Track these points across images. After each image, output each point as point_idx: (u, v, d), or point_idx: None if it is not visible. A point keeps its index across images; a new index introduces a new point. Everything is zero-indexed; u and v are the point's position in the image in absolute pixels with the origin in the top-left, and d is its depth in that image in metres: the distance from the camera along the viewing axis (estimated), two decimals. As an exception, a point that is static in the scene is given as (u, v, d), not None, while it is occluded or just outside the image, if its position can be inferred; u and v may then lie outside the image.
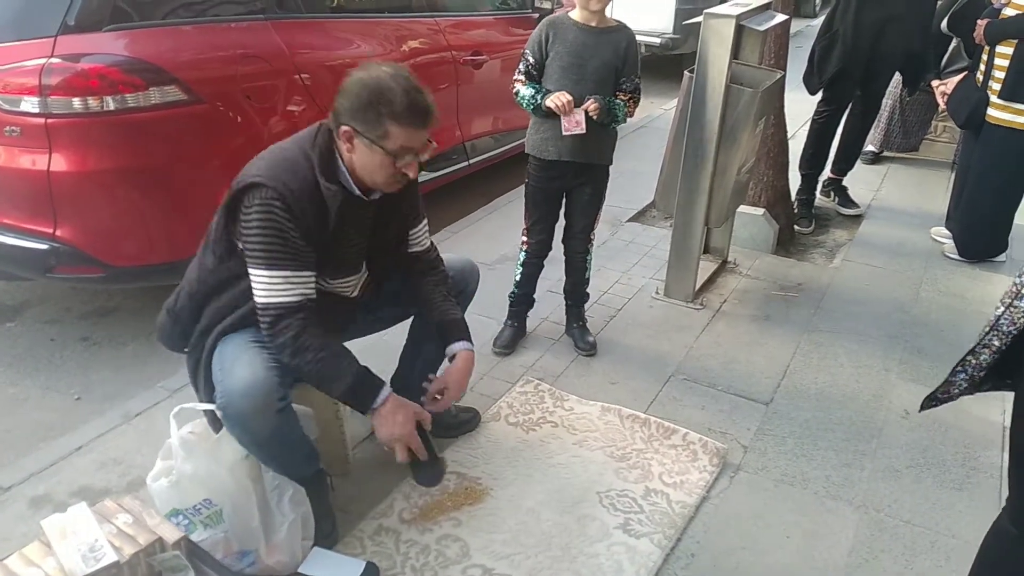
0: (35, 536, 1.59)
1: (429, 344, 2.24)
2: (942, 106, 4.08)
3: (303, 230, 1.76)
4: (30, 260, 2.70)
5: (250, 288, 1.78)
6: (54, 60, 2.53)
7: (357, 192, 1.86)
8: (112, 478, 2.21)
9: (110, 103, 2.57)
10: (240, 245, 1.81)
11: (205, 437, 1.89)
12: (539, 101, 2.58)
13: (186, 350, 1.96)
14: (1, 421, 2.59)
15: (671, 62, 7.79)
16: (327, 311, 1.90)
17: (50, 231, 2.65)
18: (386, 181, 1.83)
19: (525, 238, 2.87)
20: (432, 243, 2.18)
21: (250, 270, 1.77)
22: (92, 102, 2.55)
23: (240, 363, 1.77)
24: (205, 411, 1.86)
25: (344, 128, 1.77)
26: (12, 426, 2.57)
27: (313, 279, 1.82)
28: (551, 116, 2.57)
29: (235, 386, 1.73)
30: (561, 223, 2.88)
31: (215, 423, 1.88)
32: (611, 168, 2.81)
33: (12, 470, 2.24)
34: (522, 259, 2.90)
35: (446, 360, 2.12)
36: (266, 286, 1.76)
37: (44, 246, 2.66)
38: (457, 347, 2.08)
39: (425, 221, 2.14)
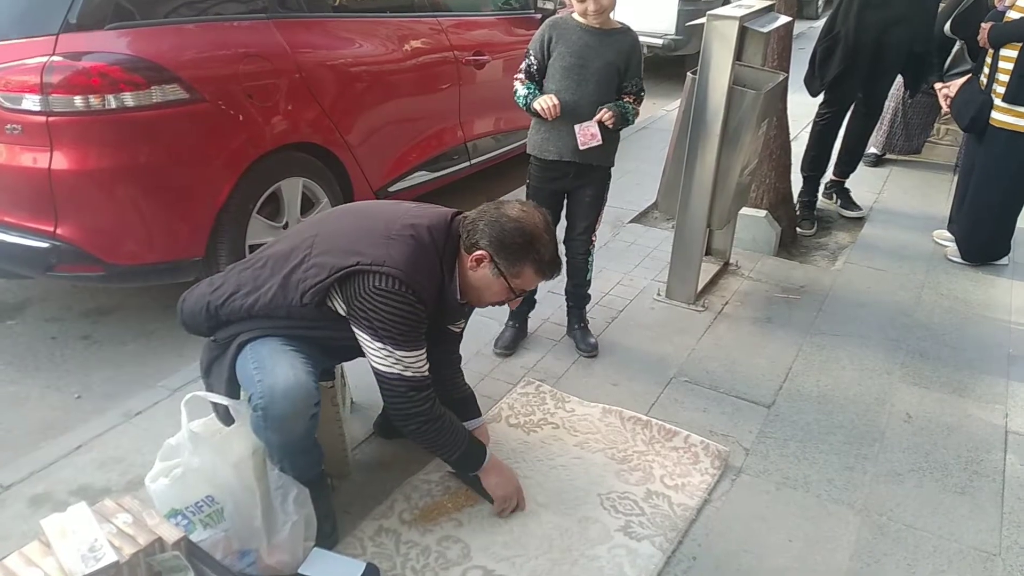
0: (35, 535, 1.58)
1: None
2: (945, 109, 4.08)
3: (426, 314, 1.89)
4: (31, 258, 2.69)
5: (316, 327, 1.88)
6: (56, 58, 2.53)
7: (463, 301, 2.01)
8: (112, 477, 2.21)
9: (111, 102, 2.57)
10: (339, 307, 1.86)
11: (213, 432, 1.88)
12: (528, 102, 2.58)
13: (213, 339, 1.95)
14: (2, 419, 2.59)
15: (673, 63, 7.79)
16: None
17: (51, 229, 2.64)
18: (490, 304, 2.03)
19: (527, 239, 2.86)
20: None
21: (372, 342, 1.84)
22: (93, 100, 2.55)
23: (280, 365, 1.79)
24: (218, 405, 1.85)
25: (480, 252, 1.90)
26: (12, 424, 2.57)
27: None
28: (556, 118, 2.57)
29: (278, 386, 1.75)
30: (562, 224, 2.87)
31: (226, 418, 1.87)
32: (613, 169, 2.81)
33: (12, 468, 2.23)
34: (524, 260, 2.89)
35: None
36: (398, 361, 1.85)
37: (45, 244, 2.65)
38: (472, 424, 2.23)
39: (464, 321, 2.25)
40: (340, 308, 1.86)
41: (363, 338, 1.85)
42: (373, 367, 1.88)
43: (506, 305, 2.08)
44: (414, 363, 1.87)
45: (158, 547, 1.57)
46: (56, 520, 1.57)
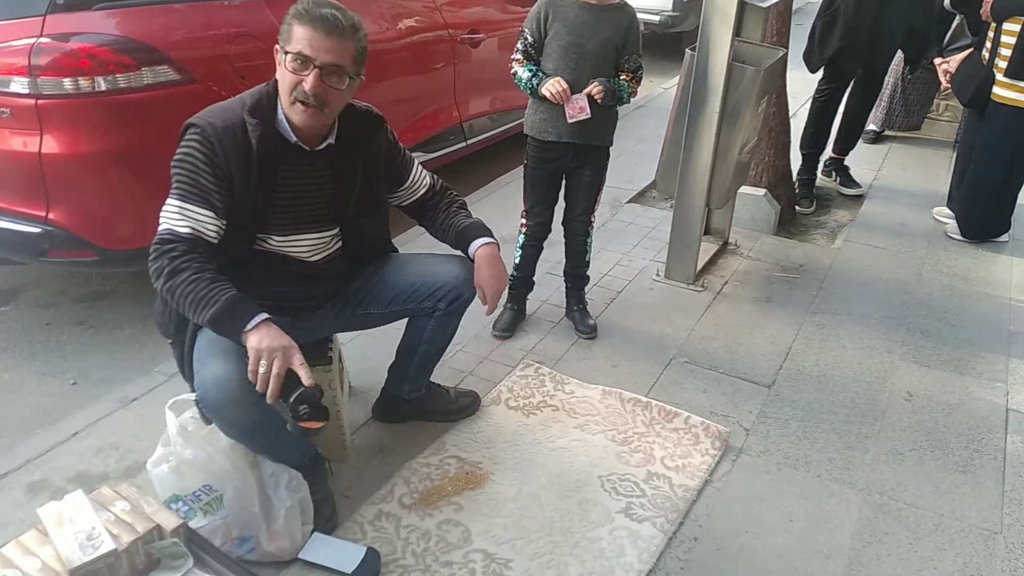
0: (32, 523, 1.58)
1: (424, 344, 2.21)
2: (944, 84, 4.04)
3: (219, 167, 1.73)
4: (23, 244, 2.65)
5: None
6: (43, 40, 2.48)
7: (295, 140, 1.83)
8: (110, 463, 2.19)
9: (101, 83, 2.52)
10: None
11: (202, 424, 1.87)
12: (535, 86, 2.54)
13: (169, 341, 1.93)
14: (-4, 406, 2.57)
15: (671, 40, 7.72)
16: (281, 277, 1.89)
17: (42, 214, 2.61)
18: (289, 100, 1.76)
19: (524, 220, 2.84)
20: (433, 180, 2.16)
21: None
22: (83, 83, 2.50)
23: (217, 353, 1.72)
24: (196, 402, 1.83)
25: (275, 48, 1.79)
26: (8, 412, 2.55)
27: (216, 225, 1.75)
28: (548, 99, 2.53)
29: (209, 377, 1.70)
30: (560, 205, 2.85)
31: (203, 415, 1.85)
32: (611, 148, 2.77)
33: (8, 456, 2.21)
34: (521, 242, 2.87)
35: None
36: (164, 214, 1.74)
37: (37, 229, 2.62)
38: (475, 244, 2.08)
39: (415, 174, 2.13)
40: None
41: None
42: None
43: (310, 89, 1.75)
44: (173, 217, 1.72)
45: (157, 534, 1.56)
46: (53, 508, 1.56)
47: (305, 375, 1.63)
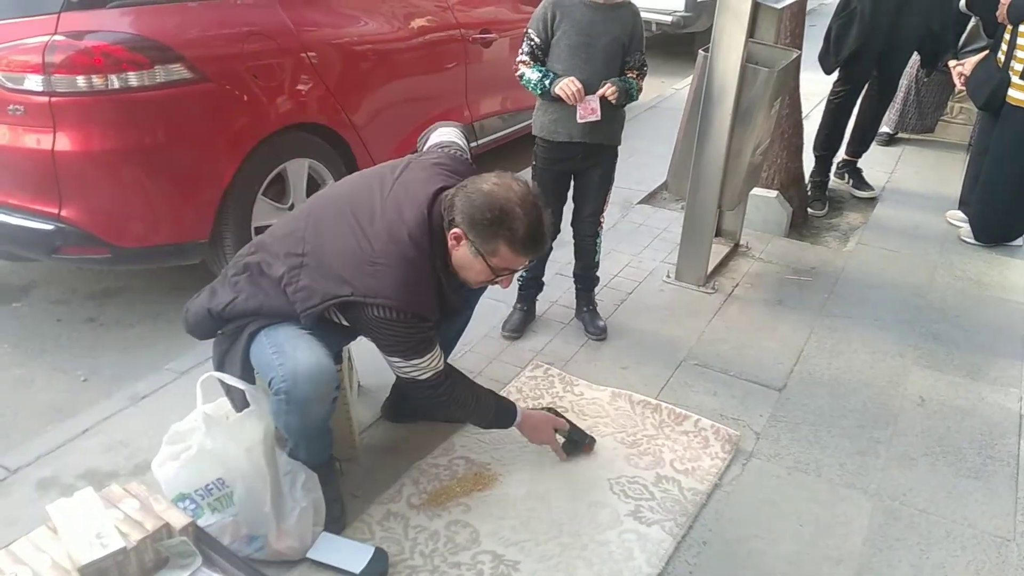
0: (42, 519, 1.58)
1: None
2: (959, 87, 4.01)
3: (434, 322, 1.87)
4: (35, 240, 2.67)
5: (324, 329, 1.87)
6: (58, 37, 2.50)
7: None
8: (119, 460, 2.20)
9: (114, 81, 2.54)
10: (342, 321, 1.88)
11: (225, 415, 1.87)
12: (548, 87, 2.53)
13: (220, 332, 1.94)
14: (8, 402, 2.58)
15: (682, 41, 7.69)
16: None
17: (55, 211, 2.62)
18: (476, 283, 1.92)
19: (534, 221, 2.83)
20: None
21: (383, 352, 1.89)
22: (96, 80, 2.52)
23: (300, 348, 1.78)
24: (233, 390, 1.84)
25: (456, 230, 1.79)
26: (19, 407, 2.56)
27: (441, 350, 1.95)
28: (560, 99, 2.52)
29: (300, 370, 1.74)
30: (569, 206, 2.84)
31: (240, 402, 1.85)
32: (620, 149, 2.77)
33: (19, 452, 2.23)
34: (531, 242, 2.86)
35: None
36: (413, 368, 1.87)
37: (49, 226, 2.63)
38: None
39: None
40: (343, 321, 1.89)
41: (387, 356, 1.90)
42: (404, 378, 1.93)
43: (506, 286, 2.00)
44: (426, 366, 1.88)
45: (166, 532, 1.56)
46: (63, 506, 1.57)
47: (560, 453, 2.24)
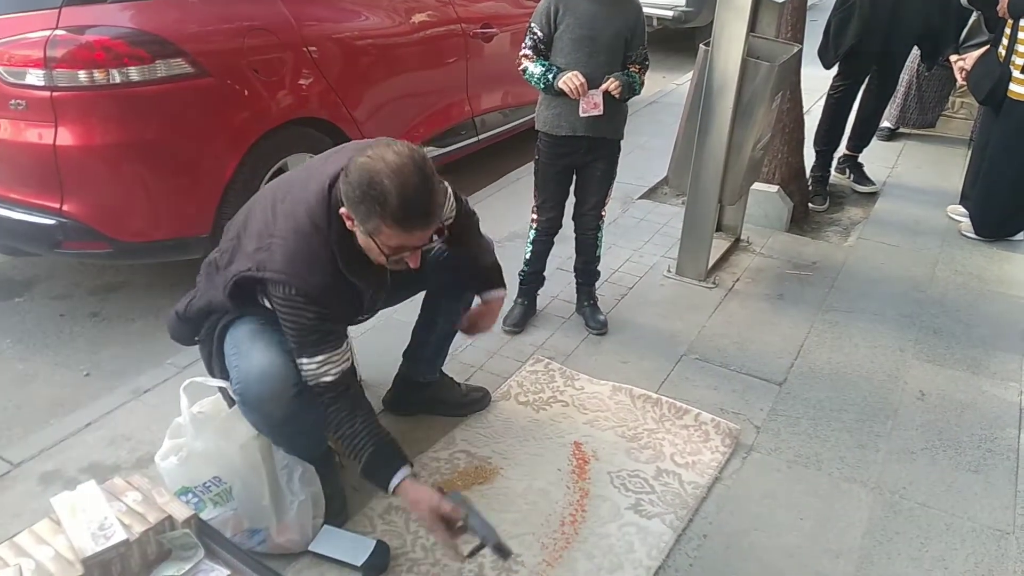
0: (45, 512, 1.58)
1: (441, 318, 2.27)
2: (960, 81, 4.00)
3: (328, 312, 1.73)
4: (37, 235, 2.68)
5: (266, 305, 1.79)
6: (59, 32, 2.50)
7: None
8: (122, 454, 2.21)
9: (116, 76, 2.54)
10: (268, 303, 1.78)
11: (215, 414, 1.88)
12: (551, 81, 2.53)
13: (197, 339, 1.95)
14: (11, 396, 2.59)
15: (684, 35, 7.67)
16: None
17: (57, 206, 2.63)
18: (385, 264, 1.75)
19: (535, 216, 2.83)
20: (463, 215, 2.12)
21: (297, 358, 1.75)
22: (98, 75, 2.52)
23: (256, 348, 1.76)
24: (220, 388, 1.84)
25: (343, 210, 1.67)
26: (22, 402, 2.57)
27: (348, 347, 1.81)
28: (563, 94, 2.52)
29: (251, 371, 1.73)
30: (571, 200, 2.84)
31: (229, 399, 1.86)
32: (622, 144, 2.77)
33: (22, 446, 2.24)
34: (532, 237, 2.87)
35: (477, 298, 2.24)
36: (309, 372, 1.74)
37: (51, 221, 2.64)
38: (493, 294, 2.20)
39: (443, 246, 2.08)
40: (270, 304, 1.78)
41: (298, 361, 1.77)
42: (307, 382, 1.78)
43: (415, 265, 1.78)
44: (319, 371, 1.73)
45: (168, 525, 1.56)
46: (66, 498, 1.57)
47: (448, 546, 1.73)
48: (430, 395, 2.39)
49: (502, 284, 2.23)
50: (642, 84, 2.64)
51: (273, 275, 1.68)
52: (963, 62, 3.86)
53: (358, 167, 1.60)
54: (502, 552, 1.68)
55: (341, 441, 1.78)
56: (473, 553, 1.73)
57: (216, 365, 1.89)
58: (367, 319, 2.07)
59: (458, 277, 2.18)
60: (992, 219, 3.77)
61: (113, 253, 2.76)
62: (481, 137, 4.32)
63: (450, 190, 2.00)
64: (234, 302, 1.79)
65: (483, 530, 1.68)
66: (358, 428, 1.76)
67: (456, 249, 2.13)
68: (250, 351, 1.75)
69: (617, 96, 2.54)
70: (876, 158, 4.72)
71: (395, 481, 1.74)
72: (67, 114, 2.53)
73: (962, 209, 4.02)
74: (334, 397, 1.76)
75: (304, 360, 1.73)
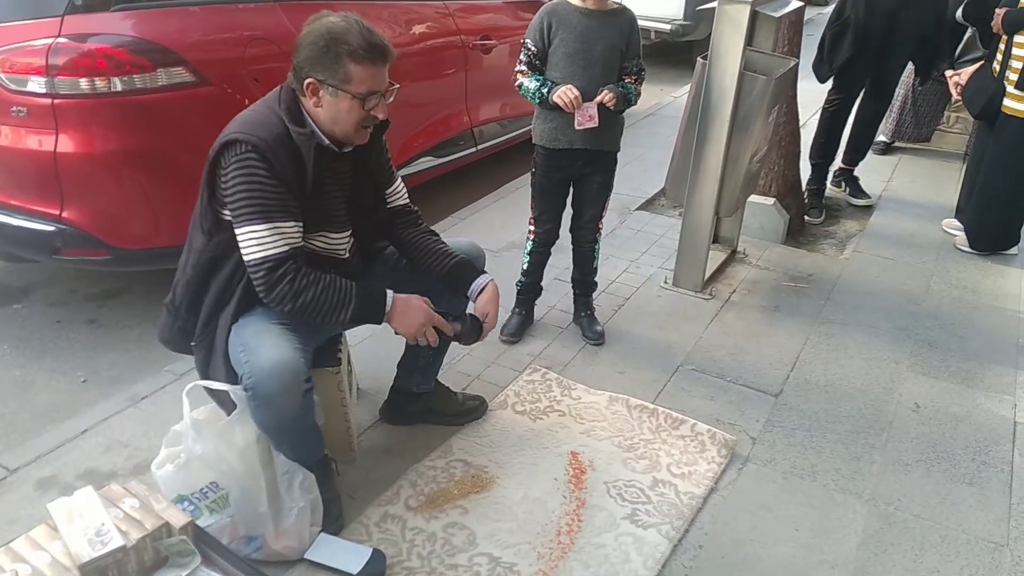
0: (41, 518, 1.59)
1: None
2: (955, 96, 4.03)
3: (283, 179, 1.75)
4: (36, 242, 2.68)
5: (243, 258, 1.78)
6: (61, 40, 2.51)
7: (327, 143, 1.86)
8: (118, 461, 2.21)
9: (117, 84, 2.55)
10: (226, 214, 1.80)
11: (215, 420, 1.88)
12: (546, 95, 2.54)
13: (192, 343, 1.94)
14: (7, 403, 2.59)
15: (681, 49, 7.73)
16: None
17: (56, 213, 2.64)
18: (355, 128, 1.84)
19: (532, 228, 2.85)
20: (410, 202, 2.18)
21: (237, 231, 1.76)
22: (99, 83, 2.53)
23: (266, 344, 1.77)
24: (218, 392, 1.85)
25: (308, 81, 1.77)
26: (18, 408, 2.57)
27: (300, 230, 1.82)
28: (559, 107, 2.54)
29: (264, 365, 1.73)
30: (568, 212, 2.85)
31: (227, 405, 1.86)
32: (619, 156, 2.78)
33: (19, 452, 2.23)
34: (529, 248, 2.88)
35: (470, 302, 2.14)
36: (255, 241, 1.74)
37: (50, 228, 2.65)
38: (481, 281, 2.11)
39: (400, 181, 2.16)
40: (227, 215, 1.80)
41: (237, 234, 1.77)
42: (246, 261, 1.78)
43: (383, 116, 1.86)
44: (273, 239, 1.75)
45: (165, 532, 1.56)
46: (63, 504, 1.57)
47: (445, 327, 1.96)
48: (426, 404, 2.39)
49: (483, 270, 2.16)
50: (638, 95, 2.66)
51: (228, 136, 1.75)
52: (958, 77, 3.89)
53: (310, 32, 1.76)
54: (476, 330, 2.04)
55: (322, 301, 1.79)
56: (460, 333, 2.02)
57: (220, 367, 1.87)
58: (342, 243, 2.00)
59: (434, 281, 2.13)
60: (987, 233, 3.80)
61: (112, 260, 2.76)
62: (480, 147, 4.34)
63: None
64: (213, 238, 1.83)
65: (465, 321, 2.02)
66: (331, 279, 1.82)
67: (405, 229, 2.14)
68: (259, 347, 1.76)
69: (612, 108, 2.55)
70: (872, 171, 4.75)
71: (388, 300, 1.88)
72: (68, 121, 2.55)
73: (957, 223, 4.04)
74: (295, 267, 1.77)
75: (252, 228, 1.73)
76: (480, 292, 2.10)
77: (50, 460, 2.19)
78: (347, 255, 2.02)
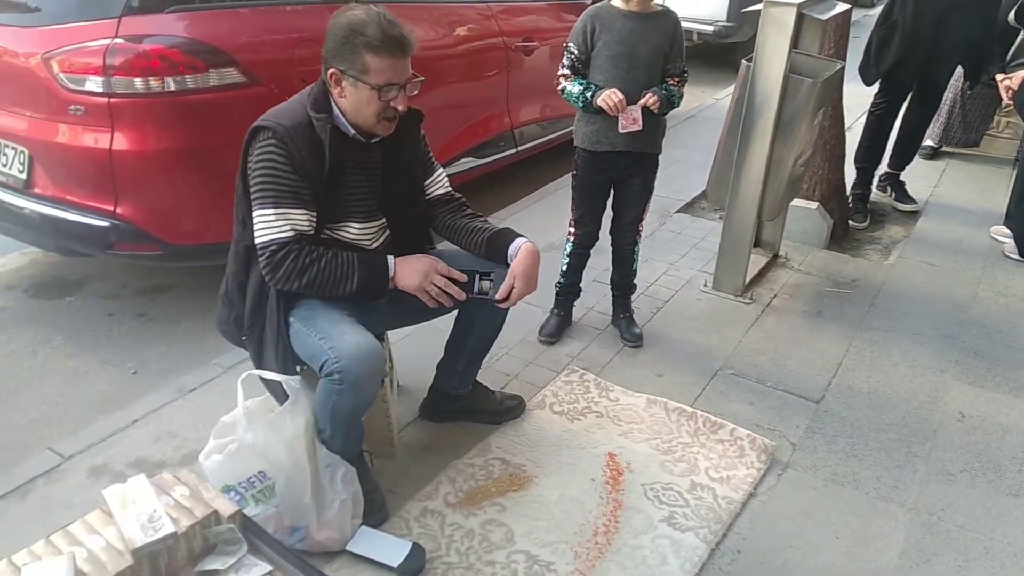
0: (94, 504, 1.64)
1: (473, 337, 2.27)
2: (1006, 101, 3.95)
3: (298, 165, 1.81)
4: (91, 236, 2.77)
5: None
6: (118, 40, 2.59)
7: (353, 132, 1.91)
8: (167, 451, 2.27)
9: (171, 84, 2.62)
10: None
11: (266, 410, 1.92)
12: (589, 99, 2.55)
13: (243, 336, 2.00)
14: (62, 392, 2.68)
15: (724, 50, 7.66)
16: None
17: (111, 209, 2.72)
18: (376, 119, 1.87)
19: (572, 229, 2.86)
20: (454, 191, 2.19)
21: (253, 215, 1.84)
22: (154, 83, 2.61)
23: (346, 331, 1.82)
24: (271, 382, 1.90)
25: (331, 71, 1.84)
26: (72, 397, 2.65)
27: (310, 218, 1.87)
28: (602, 111, 2.55)
29: (352, 351, 1.78)
30: (608, 214, 2.86)
31: (279, 395, 1.91)
32: (660, 158, 2.78)
33: (73, 440, 2.31)
34: (569, 249, 2.89)
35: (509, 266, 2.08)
36: (263, 225, 1.82)
37: (105, 223, 2.73)
38: (517, 243, 2.05)
39: (440, 171, 2.18)
40: None
41: (253, 218, 1.85)
42: (256, 244, 1.85)
43: (403, 108, 1.89)
44: (279, 223, 1.82)
45: (214, 520, 1.61)
46: (117, 491, 1.62)
47: (455, 274, 1.96)
48: (465, 404, 2.42)
49: (518, 234, 2.10)
50: (681, 97, 2.65)
51: (256, 124, 1.84)
52: (1009, 81, 3.80)
53: (331, 26, 1.83)
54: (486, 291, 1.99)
55: (326, 276, 1.84)
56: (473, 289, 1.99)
57: (279, 354, 1.90)
58: (368, 234, 2.03)
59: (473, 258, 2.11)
60: (1037, 240, 3.71)
61: (163, 255, 2.84)
62: (520, 149, 4.36)
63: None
64: (247, 229, 1.89)
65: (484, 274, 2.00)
66: (334, 253, 1.87)
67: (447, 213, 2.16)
68: (341, 334, 1.81)
69: (655, 111, 2.55)
70: (918, 176, 4.66)
71: (390, 261, 1.92)
72: (123, 120, 2.63)
73: (1006, 230, 3.95)
74: (297, 247, 1.82)
75: (262, 212, 1.81)
76: (516, 257, 2.04)
77: (102, 449, 2.27)
78: (373, 245, 2.04)
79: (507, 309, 2.21)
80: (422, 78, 1.92)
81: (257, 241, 1.83)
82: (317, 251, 1.85)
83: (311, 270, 1.83)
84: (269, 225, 1.82)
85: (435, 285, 1.94)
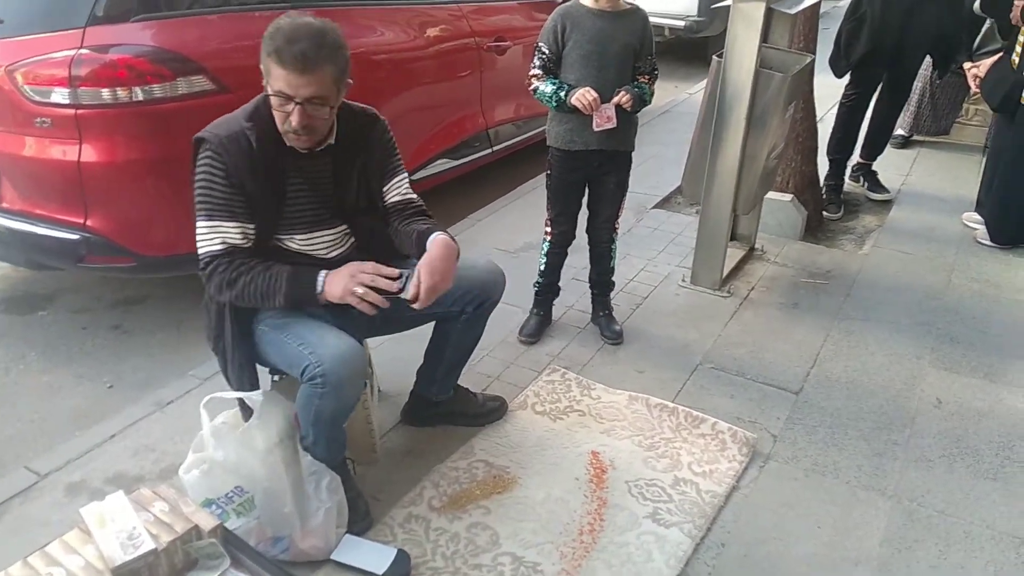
0: (72, 522, 1.62)
1: (450, 349, 2.26)
2: (974, 89, 4.00)
3: (232, 177, 1.80)
4: (62, 250, 2.73)
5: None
6: (83, 51, 2.55)
7: (289, 143, 1.87)
8: (146, 465, 2.24)
9: (139, 93, 2.59)
10: None
11: (236, 425, 1.91)
12: (563, 98, 2.55)
13: (212, 348, 1.99)
14: (36, 408, 2.64)
15: (695, 46, 7.70)
16: None
17: (81, 221, 2.68)
18: (284, 132, 1.83)
19: (548, 229, 2.86)
20: (416, 197, 2.10)
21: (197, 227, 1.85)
22: (121, 93, 2.57)
23: (327, 335, 1.82)
24: (239, 400, 1.88)
25: (261, 67, 1.82)
26: (47, 414, 2.61)
27: (243, 230, 1.85)
28: (576, 110, 2.55)
29: (333, 354, 1.77)
30: (584, 212, 2.86)
31: (246, 411, 1.89)
32: (635, 154, 2.79)
33: (48, 457, 2.27)
34: (546, 249, 2.89)
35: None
36: (199, 237, 1.83)
37: (75, 236, 2.69)
38: (432, 237, 1.91)
39: (400, 177, 2.09)
40: None
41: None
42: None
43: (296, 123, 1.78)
44: (210, 236, 1.82)
45: (195, 535, 1.59)
46: (95, 508, 1.60)
47: (383, 281, 1.79)
48: (447, 408, 2.41)
49: (440, 229, 1.96)
50: (652, 94, 2.66)
51: (199, 134, 1.84)
52: (977, 69, 3.86)
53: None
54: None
55: (252, 289, 1.80)
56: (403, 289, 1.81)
57: (234, 373, 1.91)
58: (321, 244, 1.99)
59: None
60: (1008, 226, 3.76)
61: (136, 267, 2.81)
62: (495, 148, 4.36)
63: (389, 132, 2.09)
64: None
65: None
66: (265, 267, 1.82)
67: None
68: (322, 339, 1.81)
69: (629, 109, 2.56)
70: (890, 166, 4.71)
71: (320, 276, 1.81)
72: (91, 131, 2.59)
73: (977, 216, 4.01)
74: (227, 260, 1.82)
75: (199, 224, 1.83)
76: (433, 242, 1.92)
77: (79, 465, 2.23)
78: (332, 254, 2.00)
79: (484, 323, 2.23)
80: (341, 93, 1.85)
81: (203, 251, 1.84)
82: (247, 264, 1.83)
83: (238, 284, 1.81)
84: (203, 238, 1.84)
85: (363, 285, 1.78)
